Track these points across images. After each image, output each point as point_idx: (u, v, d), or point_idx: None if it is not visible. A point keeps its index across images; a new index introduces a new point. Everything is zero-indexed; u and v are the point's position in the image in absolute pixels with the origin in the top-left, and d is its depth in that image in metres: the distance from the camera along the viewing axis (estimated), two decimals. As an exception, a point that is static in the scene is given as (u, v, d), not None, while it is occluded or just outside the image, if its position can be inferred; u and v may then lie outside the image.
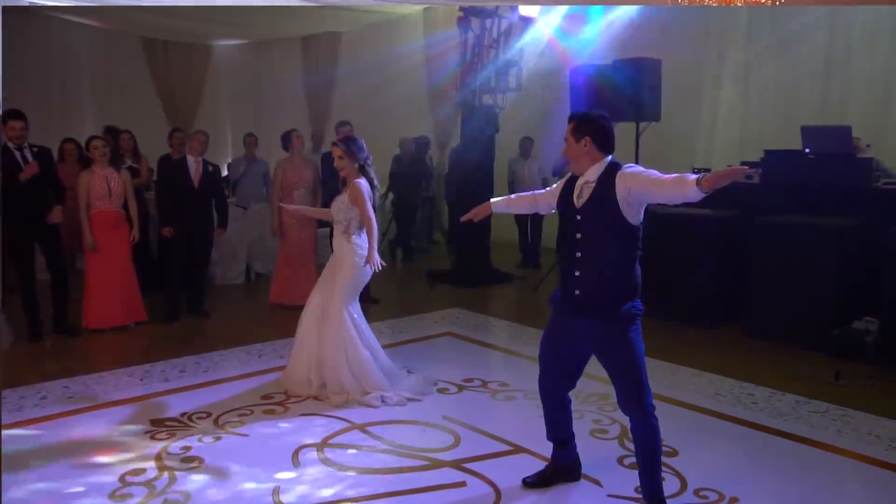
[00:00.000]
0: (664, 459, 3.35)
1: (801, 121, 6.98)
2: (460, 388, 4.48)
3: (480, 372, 4.78)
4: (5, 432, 3.63)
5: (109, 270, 5.69)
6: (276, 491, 3.12)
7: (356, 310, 4.33)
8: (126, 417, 3.94)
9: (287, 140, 6.55)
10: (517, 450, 3.56)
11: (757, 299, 5.74)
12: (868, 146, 5.87)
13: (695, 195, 2.51)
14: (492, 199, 3.39)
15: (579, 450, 3.27)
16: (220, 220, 6.33)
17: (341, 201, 4.29)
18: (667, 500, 2.89)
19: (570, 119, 2.88)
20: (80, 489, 3.12)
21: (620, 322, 2.76)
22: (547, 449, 3.32)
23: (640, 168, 2.77)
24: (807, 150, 6.04)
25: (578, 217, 2.81)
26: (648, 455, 2.83)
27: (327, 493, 3.11)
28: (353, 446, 3.61)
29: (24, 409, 4.04)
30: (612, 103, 6.73)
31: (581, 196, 2.83)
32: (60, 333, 5.49)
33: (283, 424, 3.88)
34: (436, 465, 3.40)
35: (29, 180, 5.16)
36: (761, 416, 4.03)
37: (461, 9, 7.71)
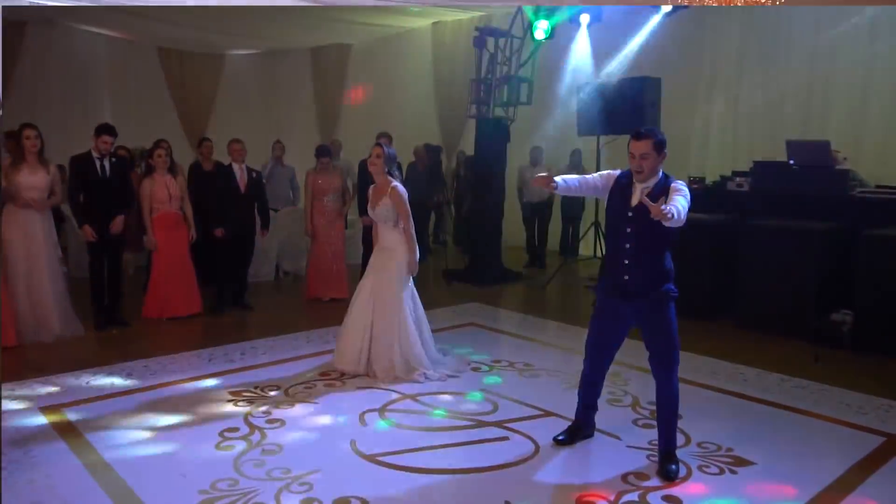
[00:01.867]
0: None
1: (787, 133, 7.74)
2: (491, 367, 5.14)
3: (505, 355, 5.45)
4: (115, 400, 4.28)
5: (171, 266, 6.34)
6: (352, 443, 3.76)
7: (411, 293, 4.97)
8: (207, 389, 4.58)
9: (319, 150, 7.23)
10: (546, 414, 4.22)
11: (747, 295, 6.43)
12: (845, 159, 6.60)
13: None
14: (555, 178, 3.55)
15: (599, 415, 3.94)
16: (263, 221, 6.98)
17: (384, 205, 4.90)
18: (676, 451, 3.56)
19: (645, 136, 3.33)
20: (184, 444, 3.74)
21: (661, 301, 3.40)
22: (570, 413, 4.01)
23: (684, 190, 3.33)
24: (791, 162, 6.76)
25: (630, 214, 3.40)
26: (669, 414, 3.49)
27: (392, 444, 3.75)
28: (408, 411, 4.27)
29: (116, 385, 4.67)
30: (617, 117, 7.47)
31: (635, 199, 3.38)
32: (113, 325, 6.09)
33: (345, 395, 4.53)
34: (480, 424, 4.05)
35: (102, 187, 5.80)
36: (751, 390, 4.72)
37: (476, 28, 8.40)
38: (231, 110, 14.69)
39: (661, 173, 3.43)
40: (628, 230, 3.44)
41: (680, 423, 4.03)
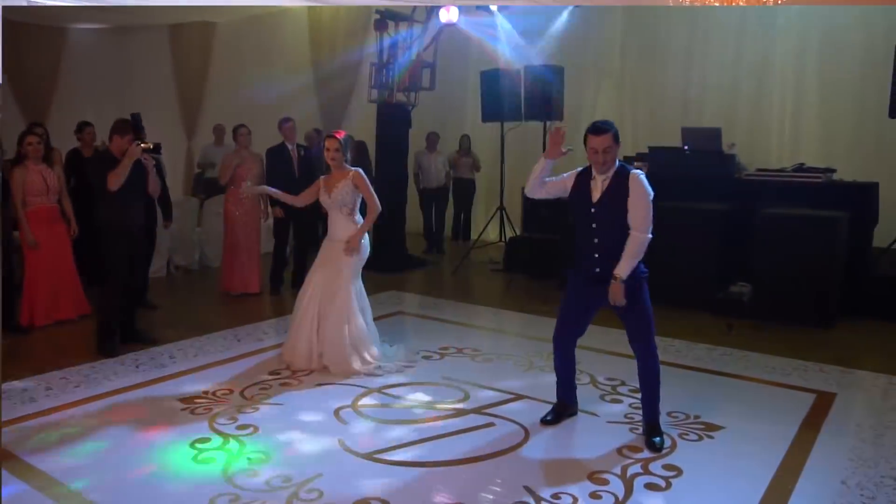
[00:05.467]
0: (634, 396, 4.26)
1: (669, 118, 8.33)
2: (441, 354, 5.11)
3: (449, 341, 5.44)
4: (49, 418, 3.77)
5: (52, 265, 5.67)
6: (341, 442, 3.60)
7: (360, 286, 4.82)
8: (151, 399, 4.17)
9: (235, 134, 6.76)
10: (518, 397, 4.28)
11: (655, 271, 6.86)
12: (733, 145, 7.23)
13: None
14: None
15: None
16: (165, 213, 6.44)
17: (343, 187, 4.73)
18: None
19: (604, 130, 3.44)
20: (159, 463, 3.40)
21: (634, 283, 3.55)
22: (540, 393, 4.18)
23: (644, 187, 3.49)
24: (685, 147, 7.29)
25: (593, 210, 3.53)
26: (652, 387, 3.67)
27: (383, 440, 3.64)
28: (381, 405, 4.15)
29: (42, 403, 4.13)
30: (524, 104, 7.67)
31: (596, 191, 3.53)
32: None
33: (307, 393, 4.32)
34: (460, 413, 4.03)
35: None
36: (687, 360, 5.07)
37: (377, 11, 8.22)
38: (77, 90, 13.34)
39: (617, 162, 3.58)
40: (594, 225, 3.56)
41: (636, 395, 4.27)
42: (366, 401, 4.21)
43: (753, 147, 8.12)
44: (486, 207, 9.91)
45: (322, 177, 4.84)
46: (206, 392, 4.28)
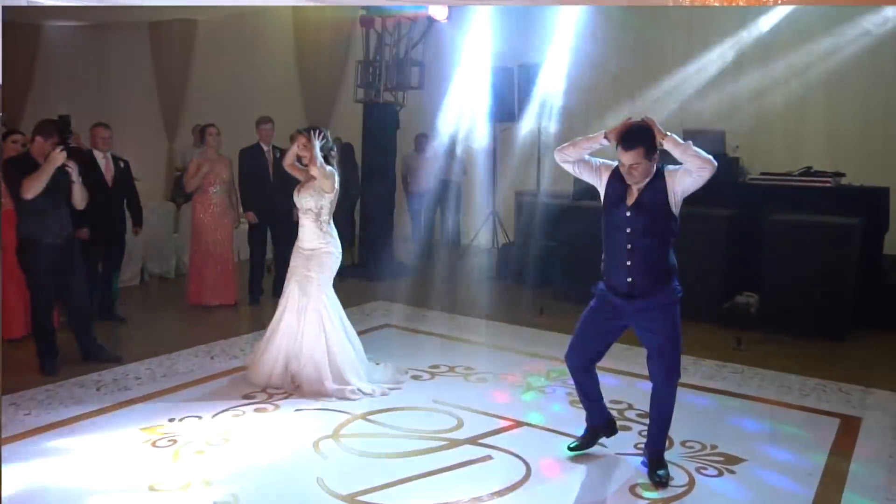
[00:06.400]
0: (643, 422, 3.89)
1: (669, 119, 7.96)
2: (432, 374, 4.72)
3: (441, 358, 5.04)
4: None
5: None
6: (321, 482, 3.20)
7: (333, 298, 4.43)
8: (110, 429, 3.75)
9: (202, 135, 6.34)
10: (517, 424, 3.90)
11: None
12: (737, 147, 6.89)
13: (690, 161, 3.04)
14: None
15: (563, 417, 3.72)
16: (135, 218, 6.01)
17: (310, 189, 4.33)
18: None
19: (635, 145, 3.03)
20: None
21: (668, 302, 3.18)
22: (541, 419, 3.83)
23: (677, 169, 3.13)
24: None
25: (628, 214, 3.14)
26: (665, 418, 3.29)
27: (367, 478, 3.24)
28: (365, 434, 3.75)
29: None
30: (516, 105, 7.30)
31: (631, 195, 3.15)
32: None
33: (284, 420, 3.91)
34: (453, 444, 3.64)
35: None
36: (696, 379, 4.70)
37: (363, 7, 7.83)
38: (54, 88, 12.89)
39: (654, 168, 3.21)
40: (628, 230, 3.17)
41: (645, 420, 3.90)
42: (349, 429, 3.81)
43: (754, 150, 7.79)
44: (481, 212, 9.49)
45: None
46: (171, 420, 3.86)
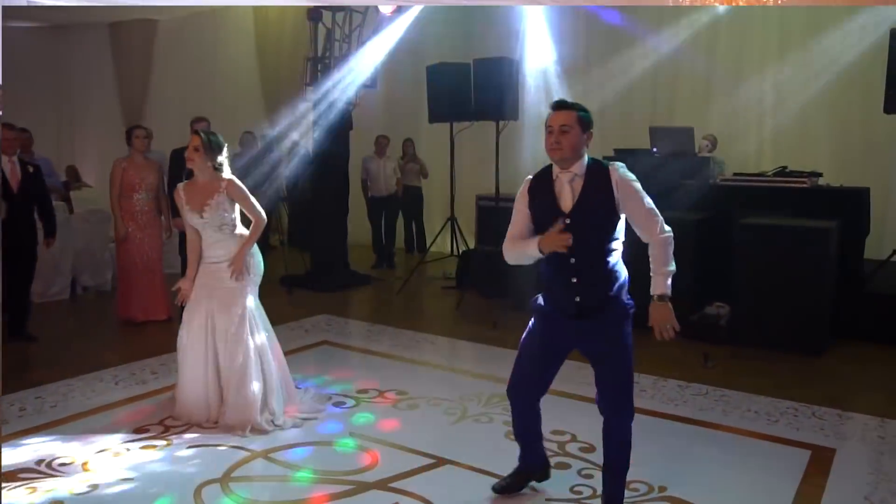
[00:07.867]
0: (586, 456, 3.40)
1: (636, 118, 7.52)
2: (357, 400, 4.21)
3: (372, 381, 4.54)
4: None
5: None
6: (187, 542, 2.69)
7: (258, 309, 3.93)
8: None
9: (129, 137, 5.84)
10: (440, 462, 3.39)
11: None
12: (714, 140, 6.42)
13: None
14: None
15: (494, 453, 3.27)
16: (47, 228, 5.48)
17: (219, 204, 3.81)
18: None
19: (569, 106, 2.65)
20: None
21: (619, 320, 2.71)
22: (470, 458, 3.33)
23: (635, 184, 2.67)
24: (654, 150, 6.47)
25: (567, 222, 2.62)
26: (623, 459, 2.80)
27: (248, 536, 2.74)
28: (261, 477, 3.24)
29: None
30: (473, 102, 6.80)
31: (566, 197, 2.66)
32: None
33: (169, 459, 3.40)
34: (361, 487, 3.13)
35: None
36: (654, 403, 4.21)
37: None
38: (14, 91, 12.35)
39: (586, 157, 2.72)
40: (568, 241, 2.62)
41: (589, 455, 3.42)
42: (243, 471, 3.29)
43: (729, 148, 7.33)
44: (440, 217, 9.02)
45: (180, 185, 3.89)
46: (40, 463, 3.34)
